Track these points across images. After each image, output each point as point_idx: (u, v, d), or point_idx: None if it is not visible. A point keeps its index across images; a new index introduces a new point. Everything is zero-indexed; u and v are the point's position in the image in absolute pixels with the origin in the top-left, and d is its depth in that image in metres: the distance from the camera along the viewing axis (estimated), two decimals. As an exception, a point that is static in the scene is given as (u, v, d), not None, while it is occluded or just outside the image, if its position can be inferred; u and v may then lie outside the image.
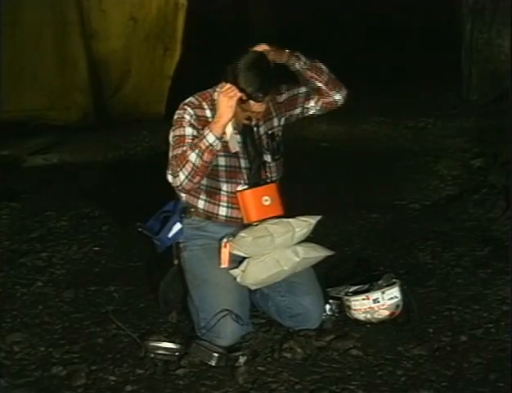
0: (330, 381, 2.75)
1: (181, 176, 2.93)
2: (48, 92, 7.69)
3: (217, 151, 2.95)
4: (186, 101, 3.10)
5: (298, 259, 3.04)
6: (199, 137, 2.95)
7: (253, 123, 3.04)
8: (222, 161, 3.05)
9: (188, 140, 2.99)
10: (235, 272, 3.04)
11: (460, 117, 7.58)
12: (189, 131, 3.01)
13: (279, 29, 11.22)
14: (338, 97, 3.18)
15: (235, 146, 3.07)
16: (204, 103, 3.08)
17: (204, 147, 2.90)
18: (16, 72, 7.59)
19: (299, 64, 3.11)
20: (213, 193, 3.09)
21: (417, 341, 3.00)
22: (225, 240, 3.06)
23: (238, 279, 3.04)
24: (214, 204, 3.10)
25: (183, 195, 3.14)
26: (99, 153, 6.73)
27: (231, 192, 3.08)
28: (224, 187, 3.08)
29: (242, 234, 3.02)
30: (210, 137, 2.90)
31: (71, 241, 4.29)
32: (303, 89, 3.18)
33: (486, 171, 5.22)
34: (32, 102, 7.63)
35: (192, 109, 3.05)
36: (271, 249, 3.02)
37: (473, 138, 6.43)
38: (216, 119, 2.93)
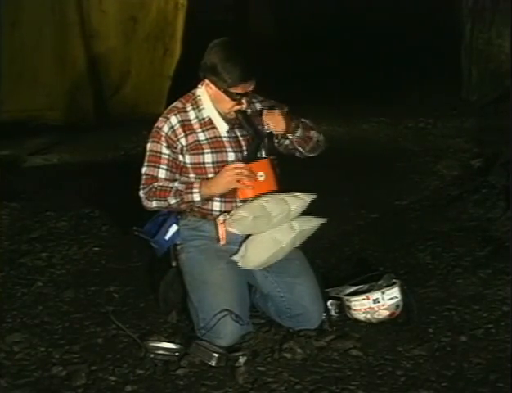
0: (330, 381, 2.75)
1: (154, 204, 3.09)
2: (48, 92, 7.70)
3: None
4: (171, 106, 3.14)
5: (295, 233, 3.05)
6: (186, 187, 3.00)
7: (244, 105, 3.03)
8: (208, 158, 3.06)
9: (164, 161, 3.06)
10: (235, 258, 3.05)
11: (460, 117, 7.59)
12: (165, 151, 3.07)
13: (279, 30, 11.23)
14: (312, 155, 3.24)
15: (223, 130, 3.08)
16: (187, 105, 3.11)
17: (186, 201, 3.02)
18: (16, 72, 7.60)
19: (292, 135, 3.11)
20: None
21: (417, 342, 3.00)
22: (222, 217, 3.06)
23: (240, 264, 3.04)
24: (207, 200, 3.09)
25: None
26: (99, 153, 6.73)
27: None
28: None
29: (241, 212, 3.02)
30: (196, 197, 3.00)
31: (71, 242, 4.29)
32: None
33: (486, 171, 5.22)
34: (32, 102, 7.63)
35: (175, 115, 3.08)
36: (268, 228, 3.02)
37: (473, 138, 6.43)
38: (209, 185, 3.00)
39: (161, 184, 3.06)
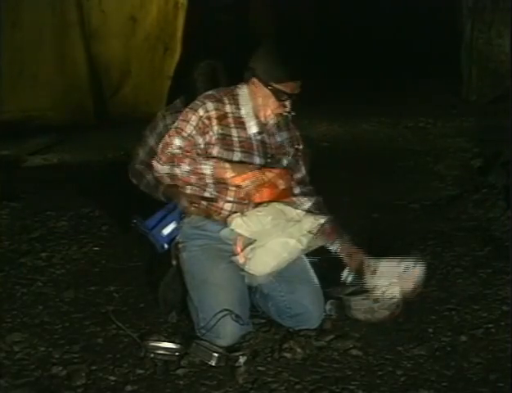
0: (330, 381, 2.74)
1: (166, 169, 3.01)
2: (48, 92, 7.71)
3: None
4: (207, 93, 3.09)
5: (301, 247, 3.04)
6: (203, 164, 2.98)
7: (287, 109, 3.01)
8: (237, 157, 3.03)
9: (184, 134, 3.00)
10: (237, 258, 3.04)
11: (460, 117, 7.61)
12: (190, 128, 3.00)
13: (279, 30, 11.22)
14: None
15: (252, 131, 3.06)
16: (224, 98, 3.05)
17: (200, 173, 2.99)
18: (16, 72, 7.61)
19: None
20: (219, 188, 3.05)
21: (417, 341, 3.00)
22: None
23: (245, 268, 3.02)
24: (221, 198, 3.07)
25: (188, 188, 3.14)
26: (99, 153, 6.73)
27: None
28: None
29: (260, 211, 3.00)
30: (207, 171, 2.98)
31: (71, 241, 4.29)
32: None
33: (486, 171, 5.23)
34: (32, 102, 7.64)
35: (213, 102, 3.03)
36: (279, 234, 3.00)
37: (473, 138, 6.44)
38: (227, 171, 2.97)
39: (181, 152, 3.00)
